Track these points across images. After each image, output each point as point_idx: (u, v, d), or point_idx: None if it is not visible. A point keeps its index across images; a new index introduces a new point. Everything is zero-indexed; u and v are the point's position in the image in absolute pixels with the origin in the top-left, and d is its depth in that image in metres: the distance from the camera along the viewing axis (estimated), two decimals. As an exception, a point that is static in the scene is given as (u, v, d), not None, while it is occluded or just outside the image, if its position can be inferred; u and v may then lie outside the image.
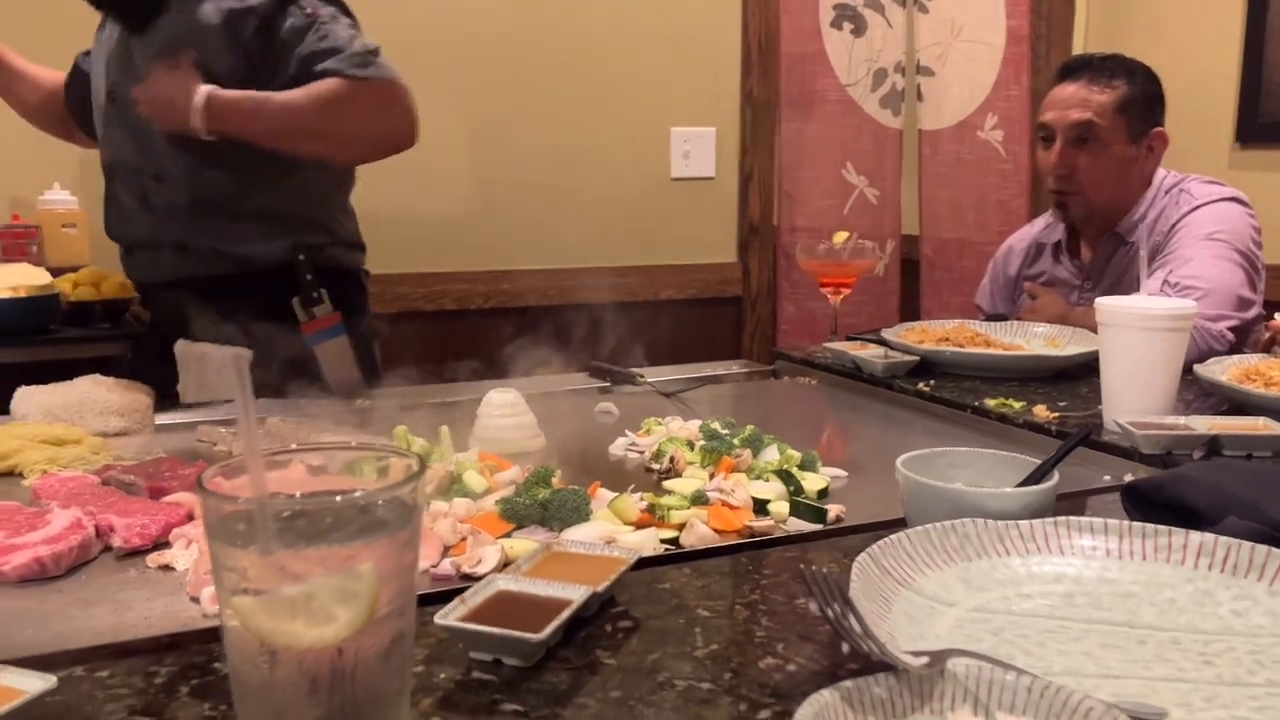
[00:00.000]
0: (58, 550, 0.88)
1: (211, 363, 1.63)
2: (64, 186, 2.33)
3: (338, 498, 0.50)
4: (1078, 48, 3.52)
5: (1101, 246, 2.04)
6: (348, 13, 1.77)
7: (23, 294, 1.92)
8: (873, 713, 0.51)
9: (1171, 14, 3.23)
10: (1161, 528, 0.80)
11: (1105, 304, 1.29)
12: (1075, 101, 1.95)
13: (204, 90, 1.64)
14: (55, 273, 2.08)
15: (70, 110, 1.98)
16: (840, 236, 1.87)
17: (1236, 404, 1.38)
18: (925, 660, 0.53)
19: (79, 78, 1.94)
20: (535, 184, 2.85)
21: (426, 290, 2.75)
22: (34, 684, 0.60)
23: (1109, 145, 1.94)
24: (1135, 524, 0.81)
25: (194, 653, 0.71)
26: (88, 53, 1.92)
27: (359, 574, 0.49)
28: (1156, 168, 2.02)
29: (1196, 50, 3.01)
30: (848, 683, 0.51)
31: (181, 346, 1.65)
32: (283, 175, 1.76)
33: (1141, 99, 1.97)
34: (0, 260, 2.11)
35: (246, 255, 1.76)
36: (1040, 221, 2.23)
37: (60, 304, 2.02)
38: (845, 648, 0.55)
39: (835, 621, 0.54)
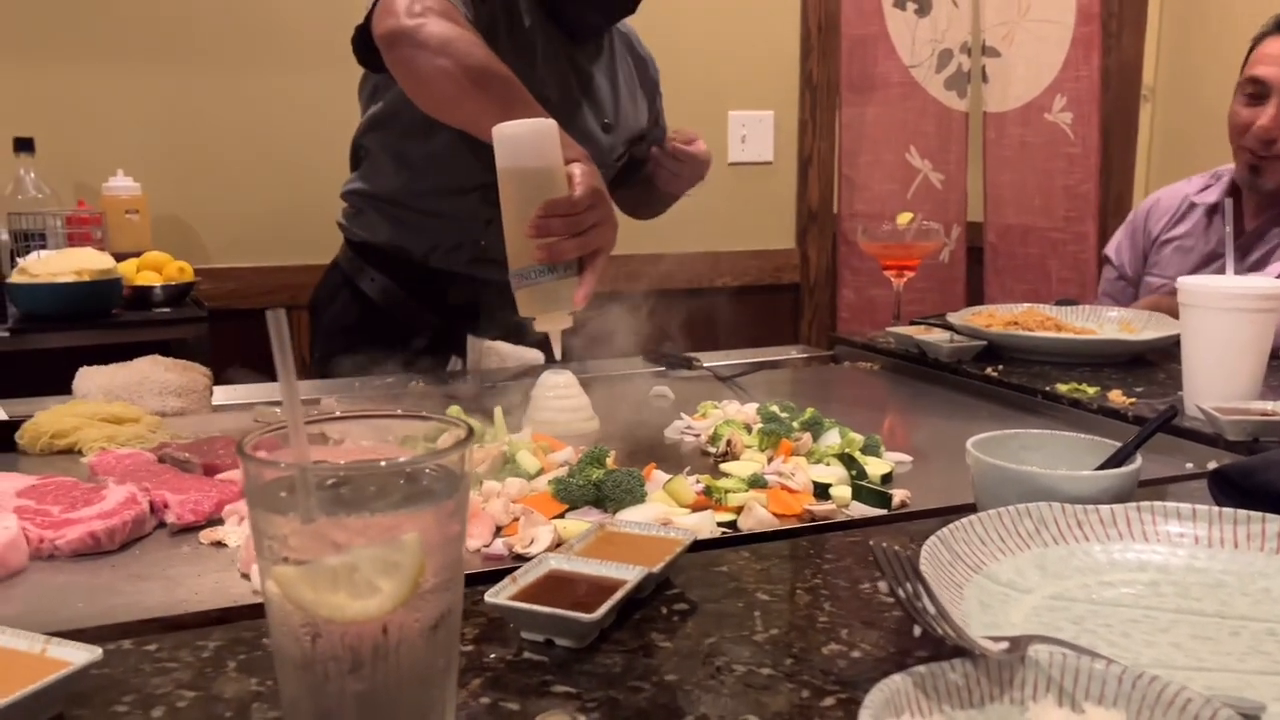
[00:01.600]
0: (111, 525, 0.88)
1: (511, 362, 1.63)
2: (127, 174, 2.36)
3: (382, 463, 0.48)
4: (1151, 25, 3.41)
5: (1266, 223, 1.88)
6: None
7: (86, 278, 1.95)
8: (948, 700, 0.47)
9: (1251, -9, 3.10)
10: (1254, 514, 0.75)
11: (1188, 283, 1.23)
12: None
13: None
14: (119, 258, 2.11)
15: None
16: (905, 217, 1.82)
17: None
18: (1005, 645, 0.49)
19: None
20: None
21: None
22: (80, 656, 0.59)
23: None
24: (1226, 510, 0.76)
25: (242, 628, 0.69)
26: None
27: (403, 544, 0.46)
28: None
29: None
30: (920, 668, 0.48)
31: (476, 344, 1.63)
32: None
33: None
34: (66, 245, 2.14)
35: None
36: (1197, 181, 2.05)
37: (123, 288, 2.05)
38: (917, 631, 0.51)
39: (907, 602, 0.51)
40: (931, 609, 0.50)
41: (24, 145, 2.21)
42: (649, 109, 1.84)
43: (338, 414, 0.52)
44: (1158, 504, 0.77)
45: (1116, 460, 0.84)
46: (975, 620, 0.65)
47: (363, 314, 1.72)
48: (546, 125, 1.19)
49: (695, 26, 2.91)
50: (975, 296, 3.28)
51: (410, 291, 1.70)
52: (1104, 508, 0.77)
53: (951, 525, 0.73)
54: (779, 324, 3.18)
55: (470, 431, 0.50)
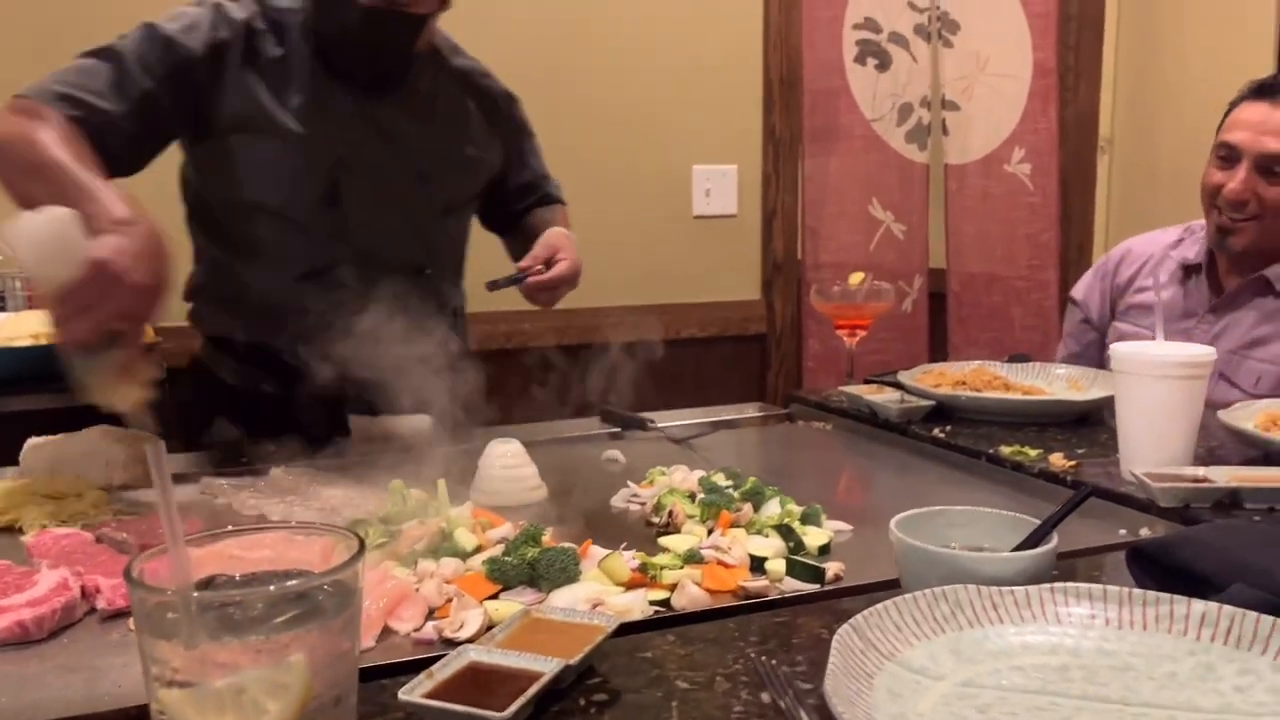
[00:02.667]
0: (40, 614, 0.88)
1: (399, 434, 1.55)
2: (90, 233, 2.36)
3: (271, 586, 0.49)
4: (1106, 79, 3.48)
5: (1243, 286, 1.90)
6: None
7: (44, 341, 1.95)
8: (827, 813, 0.48)
9: (1201, 45, 3.18)
10: (1164, 595, 0.76)
11: (1119, 350, 1.26)
12: (1271, 127, 1.79)
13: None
14: (78, 319, 2.10)
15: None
16: (856, 278, 1.85)
17: (1265, 453, 1.33)
18: (883, 756, 0.50)
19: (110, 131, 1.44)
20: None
21: (448, 331, 2.76)
22: (-15, 765, 0.59)
23: None
24: (1136, 591, 0.77)
25: (158, 726, 0.69)
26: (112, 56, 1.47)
27: (289, 666, 0.47)
28: None
29: (1228, 81, 2.96)
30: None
31: (358, 422, 1.57)
32: None
33: None
34: (25, 307, 2.14)
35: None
36: (1173, 233, 2.07)
37: (81, 351, 2.04)
38: (802, 740, 0.52)
39: (787, 713, 0.52)
40: (809, 722, 0.51)
41: (-15, 207, 2.21)
42: (504, 147, 1.79)
43: (229, 528, 0.53)
44: (1070, 585, 0.78)
45: (1034, 539, 0.85)
46: (882, 711, 0.65)
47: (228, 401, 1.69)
48: (32, 222, 1.08)
49: (658, 82, 2.96)
50: (939, 345, 3.31)
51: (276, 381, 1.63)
52: (1019, 590, 0.79)
53: (866, 611, 0.74)
54: (746, 375, 3.20)
55: (362, 546, 0.51)
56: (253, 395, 1.66)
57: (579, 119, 2.88)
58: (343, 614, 0.49)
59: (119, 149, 1.38)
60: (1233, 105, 1.89)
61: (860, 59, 3.17)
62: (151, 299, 1.10)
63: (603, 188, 2.91)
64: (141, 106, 1.42)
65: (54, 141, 1.26)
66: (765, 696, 0.64)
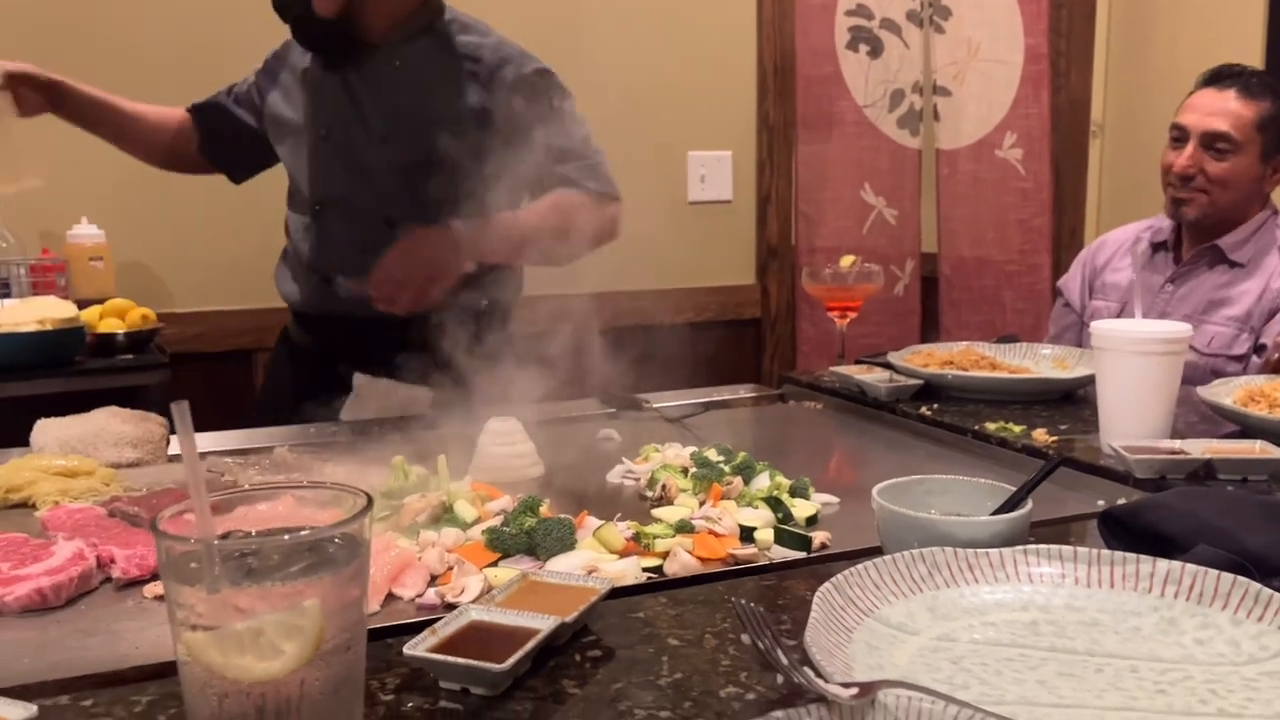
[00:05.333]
0: (58, 581, 0.91)
1: (397, 398, 1.70)
2: (91, 221, 2.40)
3: (285, 536, 0.52)
4: (1098, 65, 3.51)
5: (1199, 254, 2.07)
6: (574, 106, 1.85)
7: (49, 327, 1.98)
8: (803, 743, 0.52)
9: (1192, 32, 3.21)
10: (1130, 555, 0.80)
11: (1099, 327, 1.29)
12: (1216, 109, 1.99)
13: (460, 230, 1.68)
14: (82, 305, 2.14)
15: (208, 153, 1.98)
16: (846, 260, 1.88)
17: (1242, 427, 1.37)
18: (854, 691, 0.54)
19: (218, 116, 1.95)
20: (552, 210, 2.89)
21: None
22: (15, 712, 0.63)
23: (1240, 158, 1.98)
24: (1104, 552, 0.81)
25: (175, 683, 0.73)
26: (232, 92, 1.96)
27: (304, 610, 0.51)
28: (1274, 190, 2.07)
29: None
30: (778, 713, 0.52)
31: (363, 380, 1.71)
32: None
33: None
34: (30, 293, 2.17)
35: (448, 301, 1.70)
36: (1144, 222, 2.25)
37: (85, 336, 2.08)
38: (780, 679, 0.56)
39: (767, 653, 0.55)
40: (784, 660, 0.55)
41: (-12, 195, 2.25)
42: (479, 101, 1.80)
43: (246, 487, 0.57)
44: (1042, 547, 0.82)
45: (1009, 505, 0.89)
46: (860, 662, 0.69)
47: (291, 362, 1.94)
48: None
49: (654, 70, 2.99)
50: (931, 328, 3.35)
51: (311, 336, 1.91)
52: (993, 552, 0.82)
53: (847, 571, 0.78)
54: (742, 359, 3.23)
55: (370, 501, 0.55)
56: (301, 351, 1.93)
57: (576, 106, 2.90)
58: (352, 564, 0.53)
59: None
60: (1191, 93, 2.07)
61: (853, 45, 3.20)
62: None
63: (598, 174, 2.94)
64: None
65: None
66: (745, 638, 0.67)
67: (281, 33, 1.84)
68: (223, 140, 1.96)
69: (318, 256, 1.86)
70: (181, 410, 0.49)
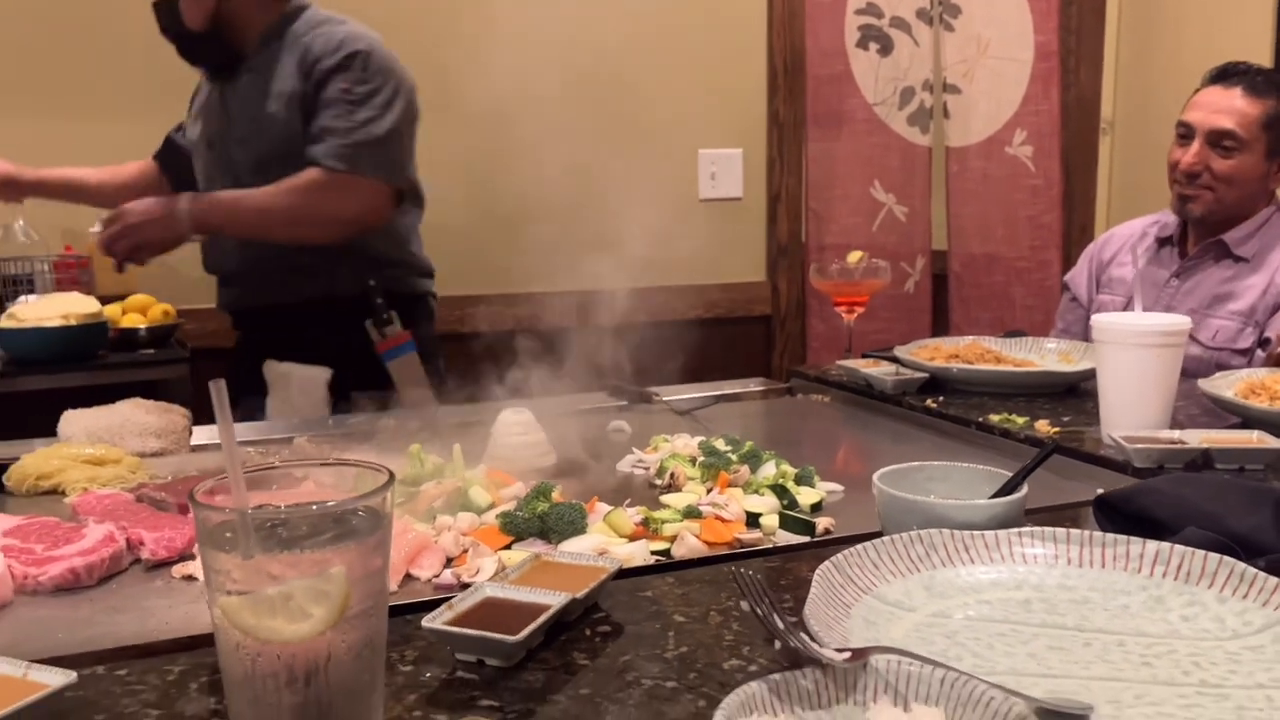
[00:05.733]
0: (90, 561, 0.95)
1: (294, 379, 1.85)
2: (114, 219, 2.44)
3: (313, 506, 0.56)
4: (1108, 62, 3.53)
5: (1204, 249, 2.09)
6: (395, 93, 1.92)
7: (73, 322, 2.03)
8: (799, 703, 0.55)
9: (1200, 30, 3.23)
10: (1121, 537, 0.83)
11: (1100, 320, 1.32)
12: (1222, 106, 2.01)
13: (184, 202, 1.85)
14: (104, 301, 2.19)
15: (171, 183, 2.16)
16: (854, 256, 1.91)
17: (1243, 419, 1.39)
18: (847, 655, 0.57)
19: (175, 153, 2.16)
20: (563, 207, 2.92)
21: (461, 313, 2.83)
22: (56, 679, 0.67)
23: (1245, 156, 2.00)
24: (1096, 534, 0.84)
25: (205, 654, 0.77)
26: (179, 128, 2.16)
27: (331, 576, 0.54)
28: (1279, 186, 2.09)
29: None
30: (775, 675, 0.56)
31: (269, 366, 1.89)
32: None
33: None
34: (53, 289, 2.22)
35: (331, 287, 1.93)
36: (1151, 217, 2.27)
37: (108, 331, 2.13)
38: (777, 645, 0.59)
39: (764, 619, 0.59)
40: (782, 625, 0.58)
41: (13, 194, 2.29)
42: (298, 89, 1.91)
43: (275, 463, 0.60)
44: (1036, 529, 0.85)
45: (1005, 490, 0.92)
46: (858, 636, 0.72)
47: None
48: None
49: (665, 68, 3.02)
50: (941, 325, 3.37)
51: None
52: (989, 533, 0.85)
53: (847, 550, 0.81)
54: (752, 355, 3.26)
55: (391, 476, 0.58)
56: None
57: (586, 103, 2.93)
58: (375, 534, 0.56)
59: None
60: (1197, 90, 2.09)
61: (862, 43, 3.22)
62: None
63: (610, 171, 2.97)
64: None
65: None
66: (744, 605, 0.69)
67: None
68: (189, 173, 2.11)
69: (208, 257, 2.05)
70: (219, 388, 0.52)
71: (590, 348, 1.74)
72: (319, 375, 1.89)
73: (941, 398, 1.62)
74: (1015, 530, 0.86)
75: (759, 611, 0.59)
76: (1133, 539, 0.82)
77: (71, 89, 2.50)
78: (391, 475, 0.58)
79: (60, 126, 2.49)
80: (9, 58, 2.44)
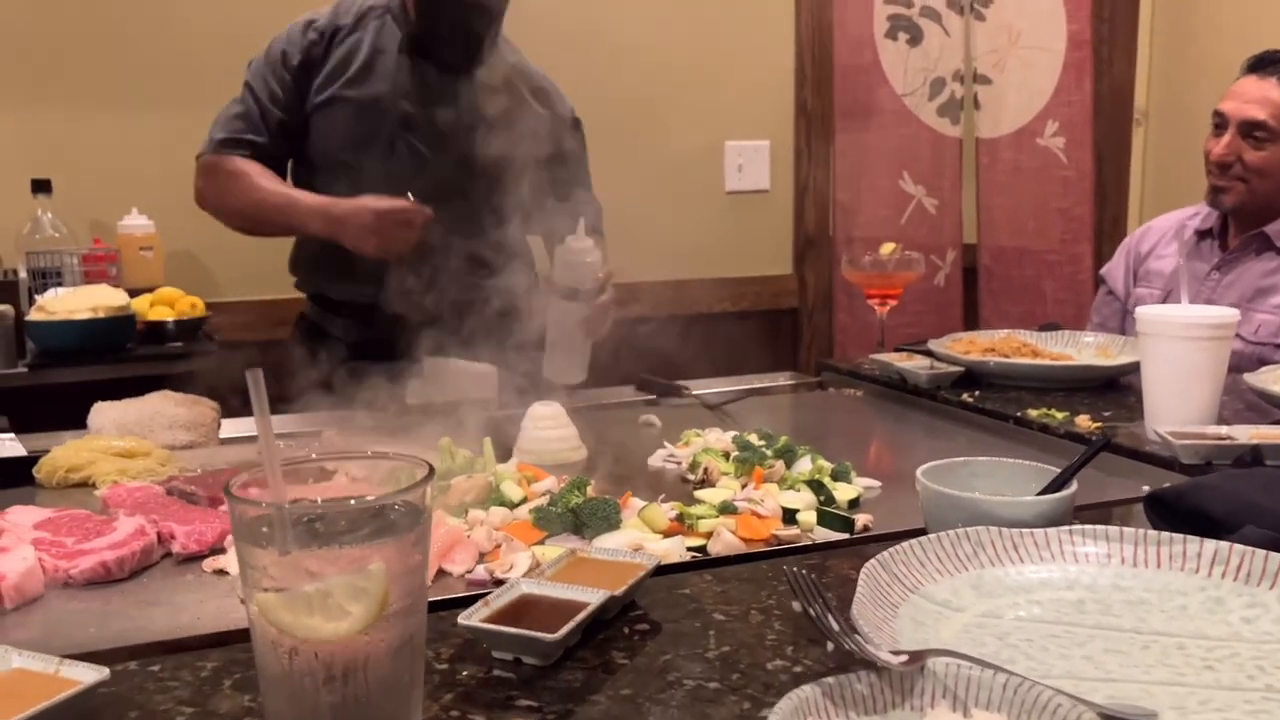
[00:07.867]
0: (121, 555, 0.94)
1: (467, 377, 1.77)
2: (141, 211, 2.44)
3: (351, 501, 0.54)
4: (1142, 51, 3.47)
5: (1246, 242, 2.05)
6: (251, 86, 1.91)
7: (102, 315, 2.03)
8: (853, 708, 0.53)
9: (1238, 16, 3.16)
10: (1176, 535, 0.80)
11: (1145, 313, 1.29)
12: (1255, 97, 1.97)
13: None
14: (133, 294, 2.19)
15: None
16: (887, 248, 1.88)
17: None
18: (904, 658, 0.55)
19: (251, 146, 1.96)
20: (591, 200, 2.90)
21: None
22: (89, 675, 0.66)
23: (1277, 147, 1.96)
24: (1150, 532, 0.81)
25: (238, 650, 0.76)
26: (241, 115, 1.94)
27: (369, 573, 0.53)
28: None
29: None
30: (829, 679, 0.53)
31: (432, 363, 1.78)
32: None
33: None
34: (82, 282, 2.22)
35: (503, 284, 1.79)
36: (1190, 209, 2.23)
37: (136, 324, 2.13)
38: (830, 646, 0.57)
39: (817, 620, 0.57)
40: (836, 626, 0.56)
41: (41, 186, 2.30)
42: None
43: (314, 457, 0.58)
44: (1088, 527, 0.83)
45: (1054, 486, 0.90)
46: (906, 637, 0.70)
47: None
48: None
49: (692, 60, 2.99)
50: (971, 318, 3.33)
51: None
52: (1038, 531, 0.83)
53: (892, 549, 0.79)
54: (779, 348, 3.23)
55: (431, 470, 0.57)
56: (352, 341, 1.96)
57: (613, 96, 2.91)
58: (414, 530, 0.55)
59: (276, 165, 1.92)
60: (1235, 80, 2.05)
61: (891, 34, 3.18)
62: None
63: (637, 164, 2.95)
64: (278, 131, 1.91)
65: (262, 178, 1.86)
66: (796, 605, 0.67)
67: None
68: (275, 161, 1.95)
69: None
70: (256, 378, 0.51)
71: (617, 340, 1.73)
72: (488, 372, 1.80)
73: (978, 392, 1.59)
74: (1066, 528, 0.83)
75: (812, 612, 0.57)
76: (1189, 538, 0.80)
77: (103, 81, 2.50)
78: (431, 469, 0.57)
79: (89, 117, 2.50)
80: (40, 51, 2.45)
